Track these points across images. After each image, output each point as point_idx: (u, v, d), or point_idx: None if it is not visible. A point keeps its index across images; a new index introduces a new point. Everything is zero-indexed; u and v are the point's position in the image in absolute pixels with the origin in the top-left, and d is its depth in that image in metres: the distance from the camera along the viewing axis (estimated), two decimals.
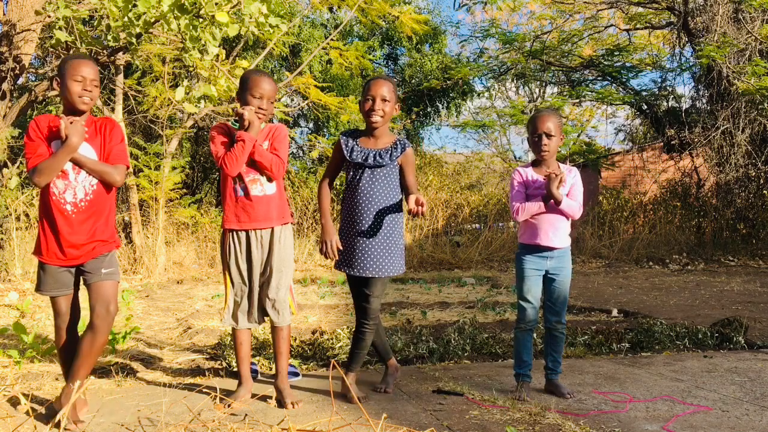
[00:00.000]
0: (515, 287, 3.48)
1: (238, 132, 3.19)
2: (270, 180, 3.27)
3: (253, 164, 3.23)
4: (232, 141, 3.21)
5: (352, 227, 3.31)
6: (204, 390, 3.35)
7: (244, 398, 3.24)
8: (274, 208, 3.28)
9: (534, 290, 3.41)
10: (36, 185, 2.92)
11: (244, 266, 3.29)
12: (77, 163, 2.90)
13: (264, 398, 3.22)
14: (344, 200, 3.38)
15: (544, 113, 3.44)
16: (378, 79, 3.34)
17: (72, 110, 2.96)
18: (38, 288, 3.00)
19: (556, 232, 3.39)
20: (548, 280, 3.43)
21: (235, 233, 3.28)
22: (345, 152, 3.33)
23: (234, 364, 4.04)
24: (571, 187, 3.40)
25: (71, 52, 6.67)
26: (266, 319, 3.38)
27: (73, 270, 2.96)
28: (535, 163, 3.47)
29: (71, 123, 2.85)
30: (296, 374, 3.79)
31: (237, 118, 3.24)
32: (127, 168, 3.06)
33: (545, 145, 3.36)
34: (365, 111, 3.31)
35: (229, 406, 3.11)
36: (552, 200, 3.32)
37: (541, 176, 3.39)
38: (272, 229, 3.27)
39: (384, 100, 3.26)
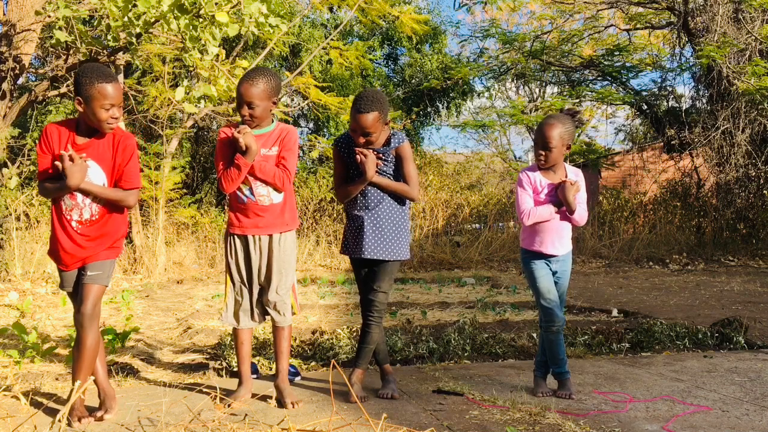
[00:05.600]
0: (530, 291, 3.45)
1: (236, 155, 3.15)
2: (278, 190, 3.25)
3: None
4: (236, 149, 3.17)
5: (360, 218, 3.33)
6: (204, 390, 3.35)
7: (245, 398, 3.24)
8: (279, 216, 3.26)
9: (552, 288, 3.36)
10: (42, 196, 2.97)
11: (243, 268, 3.29)
12: (85, 194, 2.89)
13: (264, 398, 3.22)
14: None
15: (549, 122, 3.30)
16: (362, 114, 3.20)
17: (90, 127, 2.92)
18: (60, 285, 3.08)
19: (561, 240, 3.38)
20: None
21: (235, 236, 3.28)
22: (345, 158, 3.38)
23: (234, 363, 4.04)
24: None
25: (71, 52, 6.68)
26: (267, 318, 3.38)
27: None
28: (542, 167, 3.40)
29: (72, 162, 2.79)
30: (296, 374, 3.79)
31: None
32: (139, 188, 3.04)
33: (541, 155, 3.30)
34: (355, 139, 3.30)
35: (229, 406, 3.11)
36: (564, 207, 3.29)
37: (548, 180, 3.34)
38: (272, 234, 3.27)
39: (367, 134, 3.23)
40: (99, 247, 2.95)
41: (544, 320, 3.40)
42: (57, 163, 2.83)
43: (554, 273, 3.42)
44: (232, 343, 4.45)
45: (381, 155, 3.31)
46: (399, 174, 3.36)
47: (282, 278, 3.28)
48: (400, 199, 3.37)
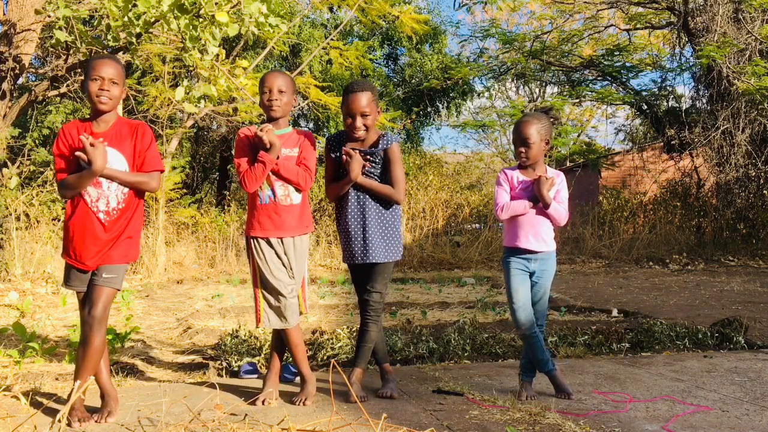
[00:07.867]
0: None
1: (260, 152, 3.17)
2: (298, 190, 3.27)
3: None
4: (257, 150, 3.19)
5: (351, 219, 3.34)
6: (204, 389, 3.35)
7: (313, 394, 3.27)
8: (298, 218, 3.27)
9: (522, 290, 3.35)
10: (62, 197, 2.95)
11: (280, 268, 3.25)
12: (109, 179, 2.91)
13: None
14: (341, 196, 3.40)
15: (525, 119, 3.35)
16: (355, 93, 3.25)
17: (95, 111, 2.98)
18: (65, 282, 3.06)
19: (537, 236, 3.35)
20: (531, 283, 3.39)
21: (258, 239, 3.25)
22: (335, 157, 3.38)
23: (234, 364, 4.05)
24: (556, 192, 3.36)
25: (71, 52, 6.68)
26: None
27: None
28: (522, 166, 3.42)
29: (92, 145, 2.82)
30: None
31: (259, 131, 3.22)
32: (162, 171, 3.08)
33: (522, 152, 3.33)
34: (347, 127, 3.31)
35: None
36: (540, 203, 3.31)
37: (525, 177, 3.37)
38: (291, 237, 3.26)
39: (364, 115, 3.24)
40: (117, 247, 2.95)
41: (513, 323, 3.43)
42: (78, 153, 2.85)
43: (533, 273, 3.38)
44: (231, 342, 4.46)
45: (369, 156, 3.31)
46: (387, 176, 3.35)
47: (295, 279, 3.30)
48: (386, 202, 3.35)
